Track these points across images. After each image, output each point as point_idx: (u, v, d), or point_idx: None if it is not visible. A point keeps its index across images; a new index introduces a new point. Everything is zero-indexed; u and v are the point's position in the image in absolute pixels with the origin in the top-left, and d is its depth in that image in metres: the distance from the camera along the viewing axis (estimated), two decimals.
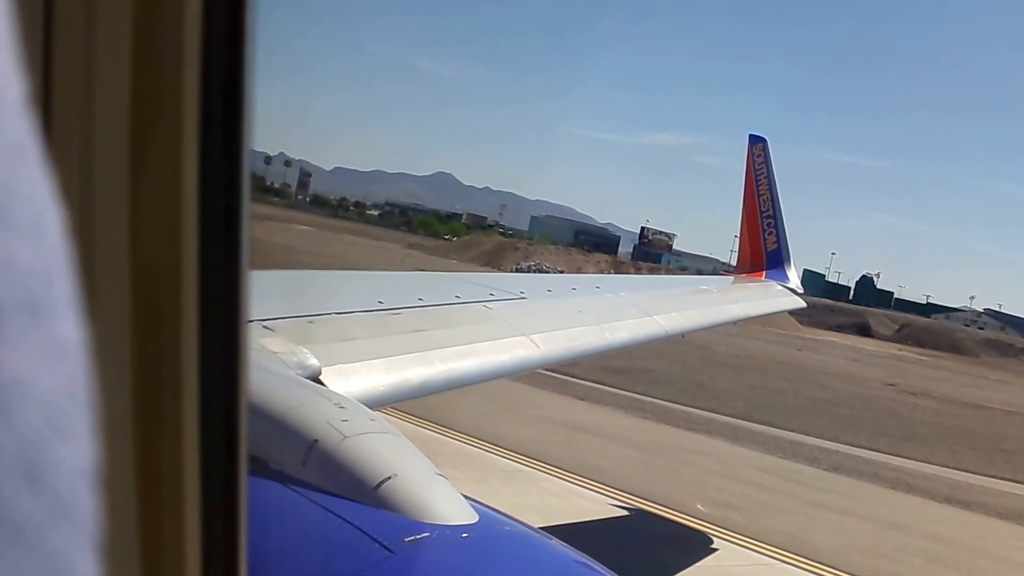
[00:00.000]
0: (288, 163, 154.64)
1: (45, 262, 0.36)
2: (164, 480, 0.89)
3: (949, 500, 14.59)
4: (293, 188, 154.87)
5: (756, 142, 11.69)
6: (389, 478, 2.35)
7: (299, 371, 3.35)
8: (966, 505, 14.45)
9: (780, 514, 11.71)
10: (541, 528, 2.64)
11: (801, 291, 11.06)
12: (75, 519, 0.35)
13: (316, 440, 2.46)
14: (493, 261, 71.44)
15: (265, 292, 3.97)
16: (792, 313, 19.33)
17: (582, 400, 17.39)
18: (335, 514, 2.26)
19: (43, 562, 0.33)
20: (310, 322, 3.99)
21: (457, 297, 5.27)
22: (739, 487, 12.80)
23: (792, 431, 18.27)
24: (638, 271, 71.19)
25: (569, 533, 3.27)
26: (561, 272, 54.02)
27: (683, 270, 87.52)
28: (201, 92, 0.85)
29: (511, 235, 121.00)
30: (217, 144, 0.88)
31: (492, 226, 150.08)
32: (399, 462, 2.44)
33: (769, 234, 11.20)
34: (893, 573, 10.14)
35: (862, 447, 17.93)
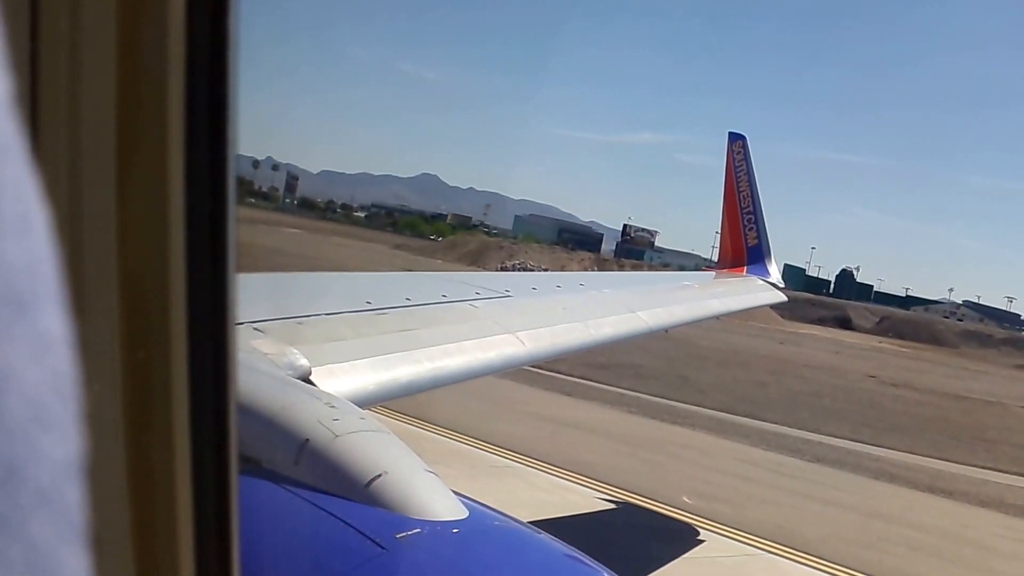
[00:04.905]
0: (275, 167, 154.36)
1: (30, 258, 0.36)
2: (156, 481, 0.89)
3: (932, 489, 14.77)
4: (281, 191, 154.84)
5: (735, 139, 11.79)
6: (380, 475, 2.37)
7: (290, 372, 3.36)
8: (948, 494, 14.63)
9: (765, 505, 11.82)
10: (530, 522, 2.66)
11: (782, 285, 11.15)
12: (58, 510, 0.35)
13: (308, 439, 2.48)
14: (478, 260, 71.42)
15: (255, 294, 3.97)
16: (773, 307, 19.47)
17: (568, 396, 17.44)
18: (327, 512, 2.28)
19: (27, 551, 0.34)
20: (300, 323, 4.00)
21: (444, 296, 5.28)
22: (724, 479, 12.90)
23: (775, 423, 18.42)
24: (621, 268, 71.38)
25: (558, 527, 3.30)
26: (545, 270, 54.03)
27: (665, 266, 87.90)
28: (186, 96, 0.86)
29: (496, 234, 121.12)
30: (202, 148, 0.89)
31: (477, 226, 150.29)
32: (389, 459, 2.46)
33: (749, 230, 11.29)
34: (878, 562, 10.26)
35: (845, 438, 18.11)
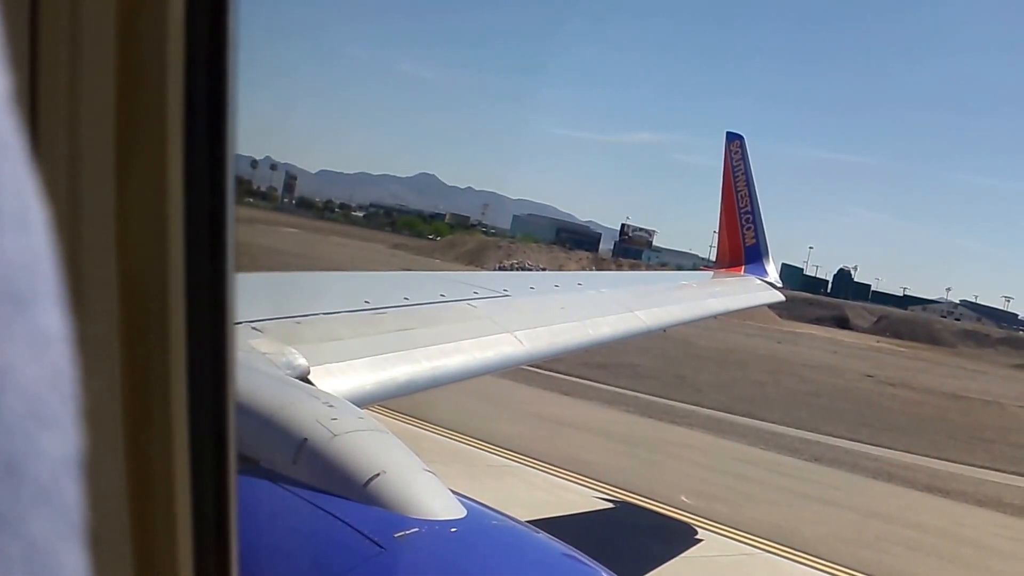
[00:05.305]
0: (274, 167, 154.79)
1: (29, 255, 0.36)
2: (155, 479, 0.90)
3: (929, 489, 14.80)
4: (279, 191, 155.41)
5: (733, 139, 11.80)
6: (378, 475, 2.37)
7: (288, 371, 3.37)
8: (946, 493, 14.66)
9: (763, 505, 11.83)
10: (529, 522, 2.66)
11: (779, 285, 11.16)
12: (57, 507, 0.35)
13: (306, 438, 2.48)
14: (476, 260, 71.53)
15: (254, 294, 3.98)
16: (771, 307, 19.49)
17: (566, 395, 17.45)
18: (326, 511, 2.28)
19: (26, 548, 0.33)
20: (298, 323, 4.01)
21: (442, 296, 5.29)
22: (722, 478, 12.91)
23: (773, 423, 18.45)
24: (619, 267, 71.47)
25: (556, 526, 3.31)
26: (543, 270, 54.11)
27: (663, 266, 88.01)
28: (185, 95, 0.86)
29: (494, 234, 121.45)
30: (201, 147, 0.89)
31: (475, 225, 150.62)
32: (388, 459, 2.47)
33: (747, 229, 11.30)
34: (876, 562, 10.27)
35: (842, 437, 18.13)
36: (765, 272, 11.05)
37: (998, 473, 17.23)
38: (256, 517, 2.13)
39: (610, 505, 10.69)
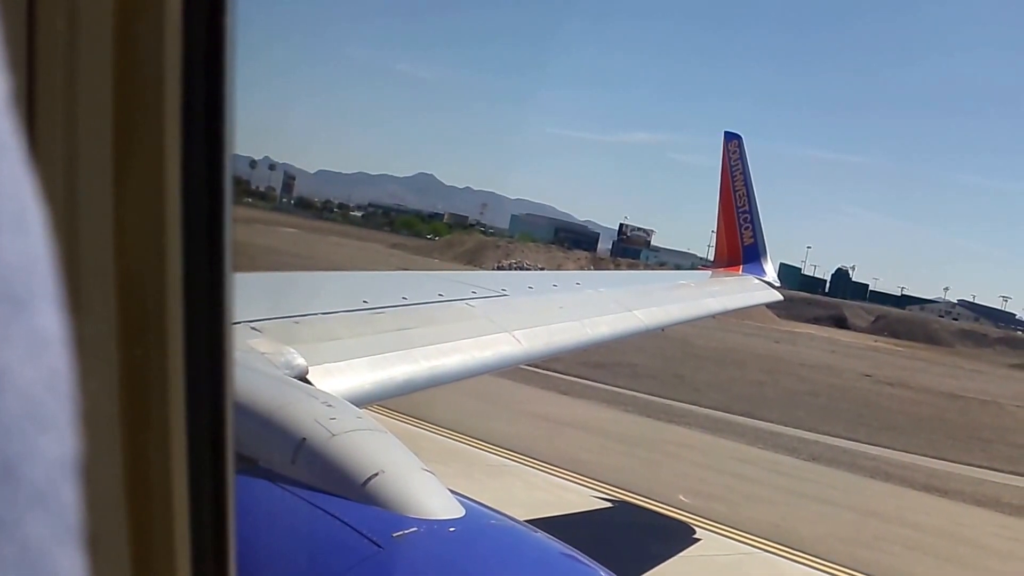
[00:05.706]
0: (272, 167, 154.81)
1: (26, 257, 0.36)
2: (153, 480, 0.89)
3: (927, 488, 14.82)
4: (278, 191, 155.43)
5: (731, 139, 11.81)
6: (377, 474, 2.37)
7: (287, 371, 3.38)
8: (944, 493, 14.68)
9: (762, 504, 11.85)
10: (527, 521, 2.67)
11: (778, 284, 11.17)
12: (53, 509, 0.35)
13: (304, 438, 2.48)
14: (475, 259, 71.56)
15: (252, 294, 3.99)
16: (769, 306, 19.48)
17: (565, 395, 17.46)
18: (324, 510, 2.29)
19: (20, 550, 0.33)
20: (296, 322, 4.01)
21: (440, 295, 5.29)
22: (720, 478, 12.93)
23: (771, 422, 18.47)
24: (617, 267, 71.55)
25: (555, 526, 3.31)
26: (542, 269, 54.15)
27: (661, 265, 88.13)
28: (183, 95, 0.86)
29: (492, 234, 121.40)
30: (199, 147, 0.89)
31: (473, 225, 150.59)
32: (386, 458, 2.47)
33: (745, 229, 11.31)
34: (875, 561, 10.29)
35: (840, 437, 18.16)
36: (763, 271, 11.07)
37: (996, 473, 17.26)
38: (254, 517, 2.13)
39: (609, 504, 10.70)
